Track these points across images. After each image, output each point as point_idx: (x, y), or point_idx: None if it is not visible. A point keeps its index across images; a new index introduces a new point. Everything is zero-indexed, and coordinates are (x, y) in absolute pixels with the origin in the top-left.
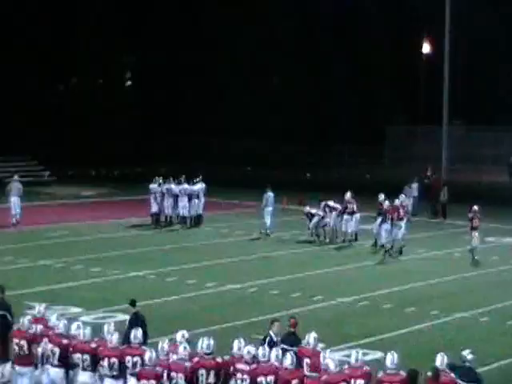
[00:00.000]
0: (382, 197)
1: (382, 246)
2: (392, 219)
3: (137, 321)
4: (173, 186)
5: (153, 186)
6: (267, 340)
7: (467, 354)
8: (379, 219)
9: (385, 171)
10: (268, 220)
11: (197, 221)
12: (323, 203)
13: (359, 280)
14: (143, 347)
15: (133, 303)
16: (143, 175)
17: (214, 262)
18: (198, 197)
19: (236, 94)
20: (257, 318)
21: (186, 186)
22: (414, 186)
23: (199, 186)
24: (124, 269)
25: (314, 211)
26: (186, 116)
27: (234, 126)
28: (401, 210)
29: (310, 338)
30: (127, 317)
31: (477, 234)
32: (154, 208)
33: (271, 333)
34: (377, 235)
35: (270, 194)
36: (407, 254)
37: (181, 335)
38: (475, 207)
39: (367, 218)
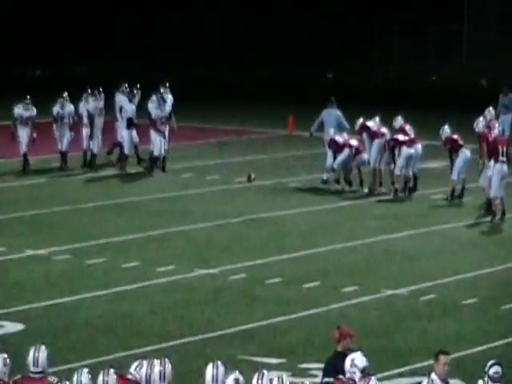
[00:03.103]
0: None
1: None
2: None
3: None
4: (122, 97)
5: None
6: None
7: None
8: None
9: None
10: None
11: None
12: (359, 122)
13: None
14: (51, 378)
15: None
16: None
17: (170, 229)
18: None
19: None
20: (246, 326)
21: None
22: None
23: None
24: (15, 244)
25: (341, 139)
26: None
27: None
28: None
29: (356, 360)
30: (19, 326)
31: None
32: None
33: (433, 376)
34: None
35: (335, 113)
36: None
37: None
38: None
39: (432, 150)
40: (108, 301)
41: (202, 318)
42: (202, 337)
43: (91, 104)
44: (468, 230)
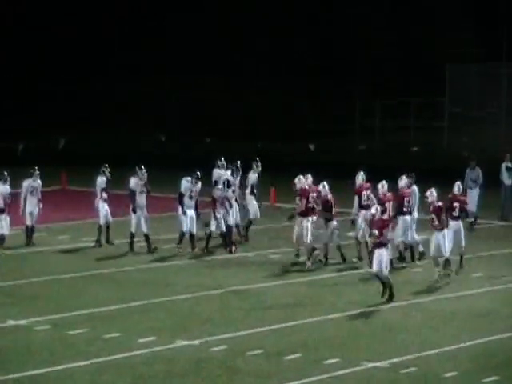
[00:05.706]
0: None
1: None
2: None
3: None
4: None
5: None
6: None
7: None
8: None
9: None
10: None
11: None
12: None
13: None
14: None
15: None
16: None
17: (152, 300)
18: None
19: None
20: None
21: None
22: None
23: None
24: None
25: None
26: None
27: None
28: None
29: None
30: None
31: None
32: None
33: None
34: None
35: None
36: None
37: None
38: None
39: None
40: (89, 372)
41: None
42: None
43: (132, 180)
44: (448, 303)
